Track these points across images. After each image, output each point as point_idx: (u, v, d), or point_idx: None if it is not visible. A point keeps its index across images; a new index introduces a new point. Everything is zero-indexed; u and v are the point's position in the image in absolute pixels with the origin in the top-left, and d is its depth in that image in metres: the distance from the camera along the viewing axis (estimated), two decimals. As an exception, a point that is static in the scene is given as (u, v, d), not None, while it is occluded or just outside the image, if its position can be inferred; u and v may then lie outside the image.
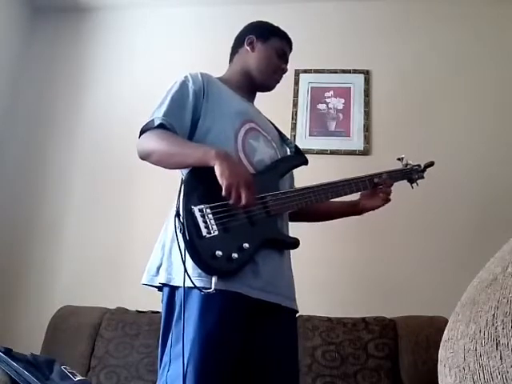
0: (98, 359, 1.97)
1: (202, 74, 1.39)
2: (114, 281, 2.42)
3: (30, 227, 2.61)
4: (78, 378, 1.51)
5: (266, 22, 1.58)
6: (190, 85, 1.34)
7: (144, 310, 2.10)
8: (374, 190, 1.51)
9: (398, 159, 1.65)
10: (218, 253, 1.12)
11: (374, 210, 1.53)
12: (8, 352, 1.42)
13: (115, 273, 2.44)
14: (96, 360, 1.97)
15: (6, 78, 2.79)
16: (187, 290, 1.14)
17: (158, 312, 2.03)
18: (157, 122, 1.27)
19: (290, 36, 1.56)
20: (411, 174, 1.63)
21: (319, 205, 1.46)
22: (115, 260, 2.47)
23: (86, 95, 2.80)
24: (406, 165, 1.64)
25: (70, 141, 2.73)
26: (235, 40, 1.57)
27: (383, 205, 1.51)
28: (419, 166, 1.66)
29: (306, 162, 1.48)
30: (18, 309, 2.47)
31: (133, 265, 2.34)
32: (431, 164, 1.66)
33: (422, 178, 1.66)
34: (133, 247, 2.45)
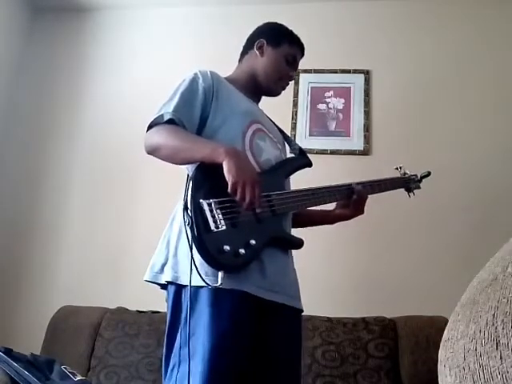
0: (98, 359, 1.96)
1: (211, 72, 1.38)
2: (114, 281, 2.42)
3: (30, 227, 2.61)
4: (78, 377, 1.51)
5: (280, 25, 1.55)
6: (200, 82, 1.33)
7: (144, 309, 2.10)
8: (348, 199, 1.46)
9: (396, 168, 1.67)
10: (226, 247, 1.11)
11: (345, 220, 1.49)
12: (8, 352, 1.42)
13: (115, 273, 2.44)
14: (96, 360, 1.97)
15: (6, 77, 2.79)
16: (195, 289, 1.13)
17: (158, 312, 2.03)
18: (166, 117, 1.26)
19: (302, 41, 1.53)
20: (409, 184, 1.66)
21: (306, 210, 1.46)
22: (115, 260, 2.47)
23: (86, 95, 2.80)
24: (404, 174, 1.67)
25: (69, 141, 2.73)
26: (247, 40, 1.55)
27: (353, 216, 1.48)
28: (416, 175, 1.69)
29: (310, 164, 1.48)
30: (18, 309, 2.47)
31: (133, 265, 2.35)
32: (428, 174, 1.68)
33: (419, 188, 1.69)
34: (133, 247, 2.45)
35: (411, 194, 1.68)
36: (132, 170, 2.58)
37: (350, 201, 1.45)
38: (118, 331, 2.01)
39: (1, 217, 2.64)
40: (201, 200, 1.13)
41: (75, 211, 2.61)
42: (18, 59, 2.87)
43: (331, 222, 1.54)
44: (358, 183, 1.47)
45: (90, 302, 2.18)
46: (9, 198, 2.67)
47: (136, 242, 2.45)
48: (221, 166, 1.15)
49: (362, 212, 1.48)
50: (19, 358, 1.43)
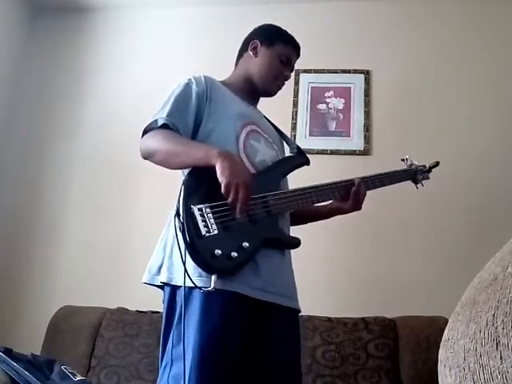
0: (98, 359, 1.96)
1: (205, 76, 1.39)
2: (114, 281, 2.42)
3: (30, 227, 2.61)
4: (78, 378, 1.51)
5: (274, 26, 1.55)
6: (194, 87, 1.35)
7: (144, 309, 2.10)
8: (347, 194, 1.43)
9: (402, 160, 1.65)
10: (218, 252, 1.12)
11: (342, 214, 1.47)
12: (8, 352, 1.42)
13: (115, 273, 2.44)
14: (96, 360, 1.97)
15: (6, 77, 2.79)
16: (188, 290, 1.14)
17: (158, 312, 2.03)
18: (160, 122, 1.27)
19: (297, 41, 1.53)
20: (416, 175, 1.62)
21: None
22: (115, 260, 2.47)
23: (86, 95, 2.80)
24: (411, 165, 1.63)
25: (70, 140, 2.73)
26: (242, 43, 1.56)
27: (351, 210, 1.45)
28: (424, 166, 1.65)
29: (307, 163, 1.48)
30: (18, 309, 2.47)
31: (133, 265, 2.35)
32: (436, 164, 1.65)
33: (428, 178, 1.65)
34: (133, 247, 2.45)
35: (419, 186, 1.64)
36: (132, 170, 2.57)
37: (349, 194, 1.42)
38: (118, 331, 2.01)
39: (1, 216, 2.63)
40: (191, 206, 1.14)
41: (75, 211, 2.61)
42: (18, 59, 2.87)
43: (327, 216, 1.52)
44: (360, 178, 1.45)
45: (90, 302, 2.18)
46: (9, 197, 2.67)
47: (136, 242, 2.45)
48: (213, 170, 1.15)
49: (359, 207, 1.45)
50: (19, 358, 1.44)
